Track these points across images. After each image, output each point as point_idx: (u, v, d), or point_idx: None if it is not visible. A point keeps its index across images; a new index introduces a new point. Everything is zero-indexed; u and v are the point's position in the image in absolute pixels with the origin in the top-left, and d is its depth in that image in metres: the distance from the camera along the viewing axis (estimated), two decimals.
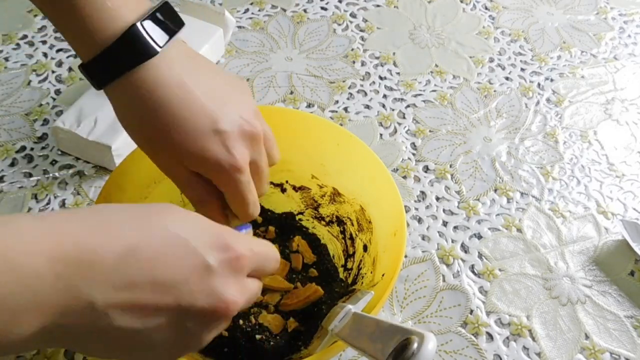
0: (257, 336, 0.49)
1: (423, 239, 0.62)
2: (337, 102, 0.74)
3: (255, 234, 0.54)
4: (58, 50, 0.76)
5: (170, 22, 0.39)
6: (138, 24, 0.37)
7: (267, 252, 0.36)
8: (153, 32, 0.38)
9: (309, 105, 0.73)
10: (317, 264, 0.56)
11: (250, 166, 0.41)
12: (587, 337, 0.55)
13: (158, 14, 0.38)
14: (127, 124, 0.40)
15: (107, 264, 0.28)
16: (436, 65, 0.80)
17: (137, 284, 0.29)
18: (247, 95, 0.42)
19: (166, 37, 0.38)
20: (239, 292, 0.32)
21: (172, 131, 0.38)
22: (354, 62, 0.79)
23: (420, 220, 0.63)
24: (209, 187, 0.41)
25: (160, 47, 0.38)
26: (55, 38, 0.78)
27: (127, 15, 0.37)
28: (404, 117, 0.73)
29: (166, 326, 0.30)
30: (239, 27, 0.82)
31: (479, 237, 0.62)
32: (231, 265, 0.32)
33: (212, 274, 0.31)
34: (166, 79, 0.38)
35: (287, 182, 0.58)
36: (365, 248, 0.53)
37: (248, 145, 0.40)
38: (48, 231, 0.27)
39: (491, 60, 0.82)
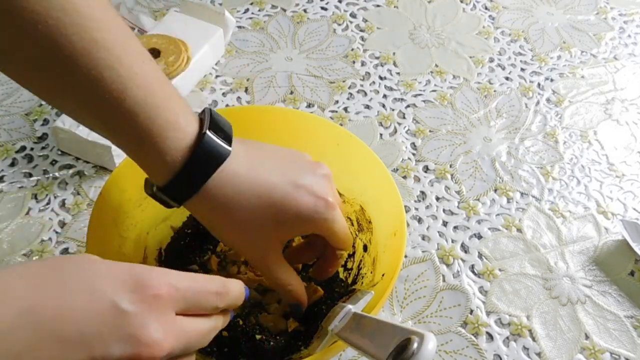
0: (257, 336, 0.49)
1: (423, 239, 0.62)
2: (337, 102, 0.74)
3: None
4: None
5: (221, 121, 0.40)
6: (208, 132, 0.38)
7: (196, 287, 0.32)
8: (217, 136, 0.38)
9: (309, 105, 0.73)
10: None
11: None
12: (587, 337, 0.55)
13: (211, 118, 0.39)
14: (217, 229, 0.41)
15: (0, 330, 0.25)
16: (436, 65, 0.80)
17: (39, 346, 0.26)
18: (300, 152, 0.45)
19: (225, 136, 0.39)
20: (164, 331, 0.29)
21: (262, 209, 0.39)
22: (354, 62, 0.79)
23: (420, 220, 0.63)
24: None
25: (230, 147, 0.39)
26: None
27: (190, 126, 0.38)
28: (404, 117, 0.73)
29: None
30: (239, 27, 0.82)
31: (479, 237, 0.62)
32: (149, 305, 0.29)
33: (128, 318, 0.28)
34: (238, 170, 0.39)
35: None
36: (365, 248, 0.53)
37: (328, 184, 0.43)
38: None
39: (491, 60, 0.82)
